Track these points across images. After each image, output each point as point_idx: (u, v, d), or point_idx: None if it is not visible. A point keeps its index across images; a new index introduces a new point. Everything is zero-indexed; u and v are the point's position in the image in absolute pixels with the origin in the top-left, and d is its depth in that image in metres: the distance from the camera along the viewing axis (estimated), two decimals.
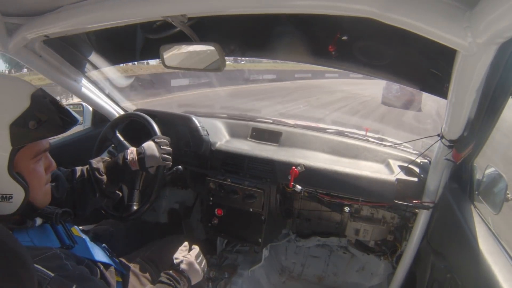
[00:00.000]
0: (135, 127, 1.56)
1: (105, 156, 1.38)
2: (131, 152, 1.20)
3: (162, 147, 1.24)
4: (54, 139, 1.68)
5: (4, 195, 0.74)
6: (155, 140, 1.26)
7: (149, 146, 1.22)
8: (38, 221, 0.83)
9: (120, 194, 1.25)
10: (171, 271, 1.00)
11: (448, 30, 0.57)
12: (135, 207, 1.37)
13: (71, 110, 0.85)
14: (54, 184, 1.03)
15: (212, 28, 1.07)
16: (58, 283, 0.68)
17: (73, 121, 0.84)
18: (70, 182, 1.11)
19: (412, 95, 11.86)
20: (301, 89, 15.99)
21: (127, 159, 1.18)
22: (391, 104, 12.13)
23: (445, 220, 1.14)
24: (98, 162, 1.17)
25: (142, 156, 1.19)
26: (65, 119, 0.82)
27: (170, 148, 1.27)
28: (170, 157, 1.25)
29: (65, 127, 0.82)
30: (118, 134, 1.49)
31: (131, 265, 1.12)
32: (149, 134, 1.40)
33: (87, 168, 1.16)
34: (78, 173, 1.14)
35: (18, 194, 0.75)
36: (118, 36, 1.32)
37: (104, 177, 1.14)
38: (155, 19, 0.96)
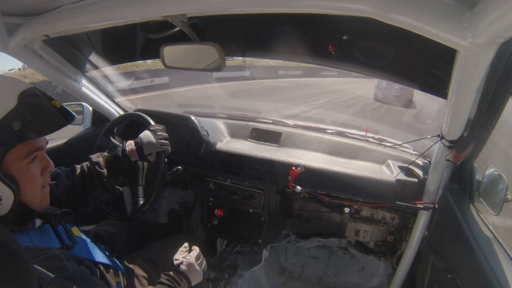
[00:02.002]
0: (133, 128, 1.56)
1: None
2: (129, 143, 1.22)
3: (158, 133, 1.25)
4: (54, 140, 1.68)
5: None
6: (150, 128, 1.27)
7: (145, 134, 1.24)
8: (38, 222, 0.82)
9: (121, 189, 1.25)
10: (171, 272, 1.00)
11: (448, 30, 0.57)
12: (141, 202, 1.37)
13: (67, 109, 0.82)
14: (54, 182, 1.03)
15: (212, 28, 1.07)
16: (58, 284, 0.67)
17: (65, 121, 0.80)
18: (71, 180, 1.12)
19: (405, 91, 11.71)
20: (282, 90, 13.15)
21: (126, 150, 1.19)
22: (383, 100, 12.00)
23: (445, 220, 1.13)
24: (97, 157, 1.18)
25: (139, 145, 1.20)
26: (54, 119, 0.78)
27: (166, 134, 1.27)
28: (167, 141, 1.26)
29: (54, 127, 0.78)
30: (112, 140, 1.48)
31: (131, 266, 1.12)
32: None
33: (87, 164, 1.16)
34: (78, 170, 1.14)
35: (7, 196, 0.72)
36: (118, 36, 1.33)
37: (105, 171, 1.15)
38: (155, 19, 0.95)
